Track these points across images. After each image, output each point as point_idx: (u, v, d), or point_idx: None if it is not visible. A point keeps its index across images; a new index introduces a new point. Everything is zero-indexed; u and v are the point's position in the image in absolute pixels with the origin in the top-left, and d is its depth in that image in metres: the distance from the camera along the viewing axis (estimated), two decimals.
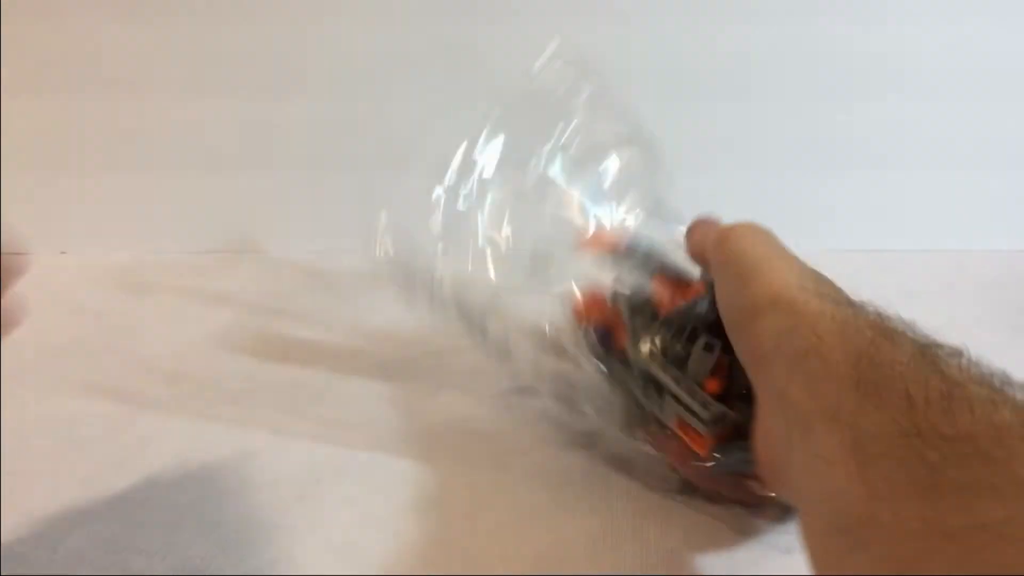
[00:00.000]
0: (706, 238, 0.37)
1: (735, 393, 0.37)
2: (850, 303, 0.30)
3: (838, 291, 0.32)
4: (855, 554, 0.22)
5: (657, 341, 0.38)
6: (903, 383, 0.24)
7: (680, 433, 0.37)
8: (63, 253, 0.67)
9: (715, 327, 0.36)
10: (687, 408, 0.36)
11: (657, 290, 0.41)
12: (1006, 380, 0.25)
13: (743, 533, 0.40)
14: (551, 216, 0.45)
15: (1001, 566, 0.19)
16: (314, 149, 0.67)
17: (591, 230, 0.44)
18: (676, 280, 0.41)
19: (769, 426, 0.29)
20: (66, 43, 0.62)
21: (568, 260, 0.43)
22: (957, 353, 0.26)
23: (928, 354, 0.25)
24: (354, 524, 0.40)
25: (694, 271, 0.41)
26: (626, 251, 0.43)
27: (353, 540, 0.39)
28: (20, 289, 0.38)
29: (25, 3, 0.61)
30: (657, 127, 0.64)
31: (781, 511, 0.39)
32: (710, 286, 0.37)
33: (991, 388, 0.23)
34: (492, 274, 0.43)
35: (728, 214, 0.38)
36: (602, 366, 0.40)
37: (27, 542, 0.38)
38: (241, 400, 0.49)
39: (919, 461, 0.22)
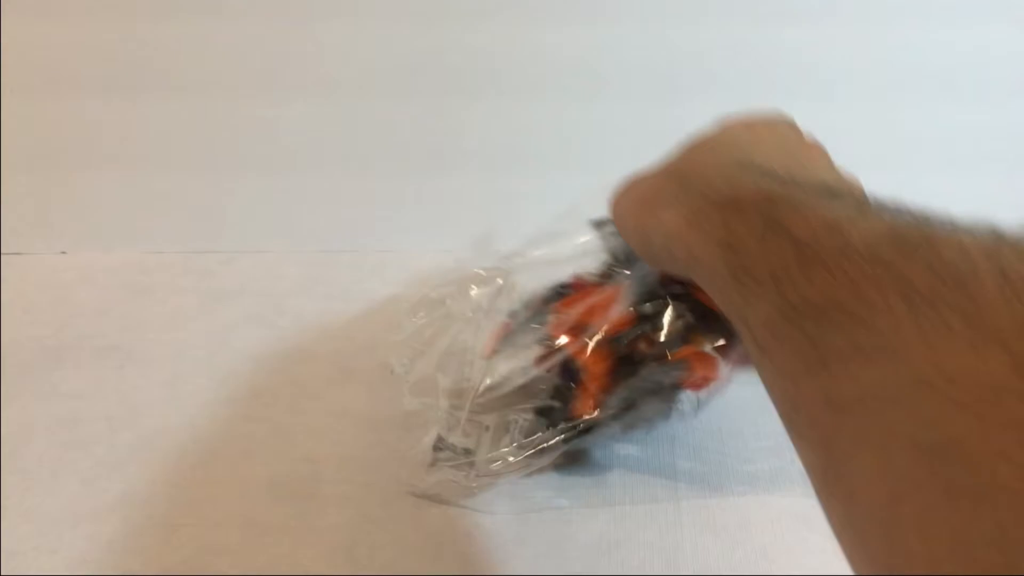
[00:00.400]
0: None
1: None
2: (699, 192, 0.29)
3: (695, 171, 0.31)
4: (801, 443, 0.22)
5: None
6: (764, 263, 0.23)
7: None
8: (63, 253, 0.67)
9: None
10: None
11: (559, 318, 0.43)
12: (857, 207, 0.23)
13: (743, 531, 0.40)
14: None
15: (889, 431, 0.18)
16: (314, 149, 0.67)
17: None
18: (566, 299, 0.44)
19: None
20: (66, 44, 0.62)
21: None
22: (801, 196, 0.24)
23: (775, 219, 0.24)
24: (353, 524, 0.40)
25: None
26: (513, 324, 0.46)
27: (352, 540, 0.39)
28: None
29: (25, 3, 0.61)
30: (653, 127, 0.64)
31: None
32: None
33: (840, 233, 0.22)
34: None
35: None
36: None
37: (27, 542, 0.38)
38: (241, 399, 0.49)
39: (804, 338, 0.21)
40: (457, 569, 0.37)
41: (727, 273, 0.25)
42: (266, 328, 0.57)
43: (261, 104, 0.65)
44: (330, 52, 0.64)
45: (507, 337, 0.46)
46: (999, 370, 0.16)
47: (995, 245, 0.18)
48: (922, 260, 0.19)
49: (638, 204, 0.32)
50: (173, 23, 0.62)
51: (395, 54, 0.64)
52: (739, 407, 0.49)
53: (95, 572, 0.37)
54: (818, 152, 0.32)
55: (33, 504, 0.40)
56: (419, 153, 0.67)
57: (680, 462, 0.45)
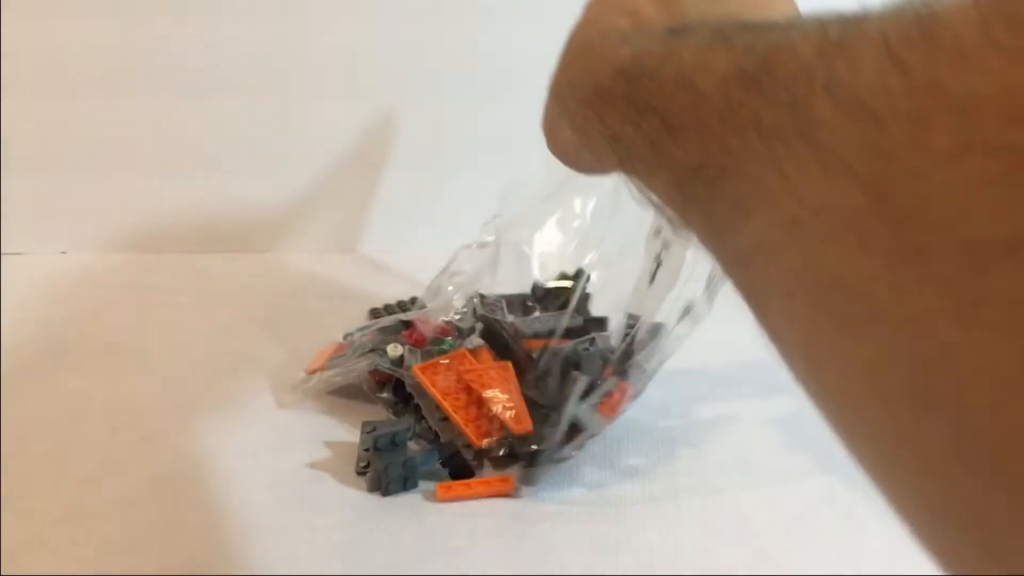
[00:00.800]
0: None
1: None
2: (572, 97, 0.28)
3: (564, 76, 0.29)
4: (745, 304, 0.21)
5: None
6: (644, 143, 0.23)
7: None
8: (63, 253, 0.67)
9: None
10: None
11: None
12: (707, 40, 0.21)
13: (743, 531, 0.40)
14: None
15: (782, 277, 0.18)
16: (314, 150, 0.67)
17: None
18: (412, 329, 0.50)
19: None
20: (66, 43, 0.62)
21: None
22: (649, 53, 0.23)
23: (637, 97, 0.23)
24: (353, 524, 0.40)
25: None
26: (347, 346, 0.50)
27: (352, 540, 0.39)
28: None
29: (25, 3, 0.61)
30: None
31: None
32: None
33: (692, 88, 0.20)
34: None
35: None
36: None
37: (27, 542, 0.38)
38: (241, 399, 0.49)
39: (698, 205, 0.21)
40: (457, 569, 0.37)
41: (621, 165, 0.25)
42: (266, 328, 0.57)
43: (261, 105, 0.65)
44: (331, 53, 0.64)
45: (337, 357, 0.49)
46: (853, 193, 0.15)
47: (822, 45, 0.17)
48: (765, 91, 0.18)
49: (548, 135, 0.32)
50: (173, 24, 0.62)
51: (395, 54, 0.64)
52: (740, 404, 0.49)
53: (95, 572, 0.37)
54: None
55: (33, 504, 0.40)
56: (418, 154, 0.67)
57: (680, 463, 0.45)
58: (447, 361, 0.46)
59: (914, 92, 0.14)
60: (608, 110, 0.25)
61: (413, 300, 0.59)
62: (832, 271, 0.16)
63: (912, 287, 0.14)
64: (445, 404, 0.44)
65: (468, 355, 0.47)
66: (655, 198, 0.24)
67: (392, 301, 0.59)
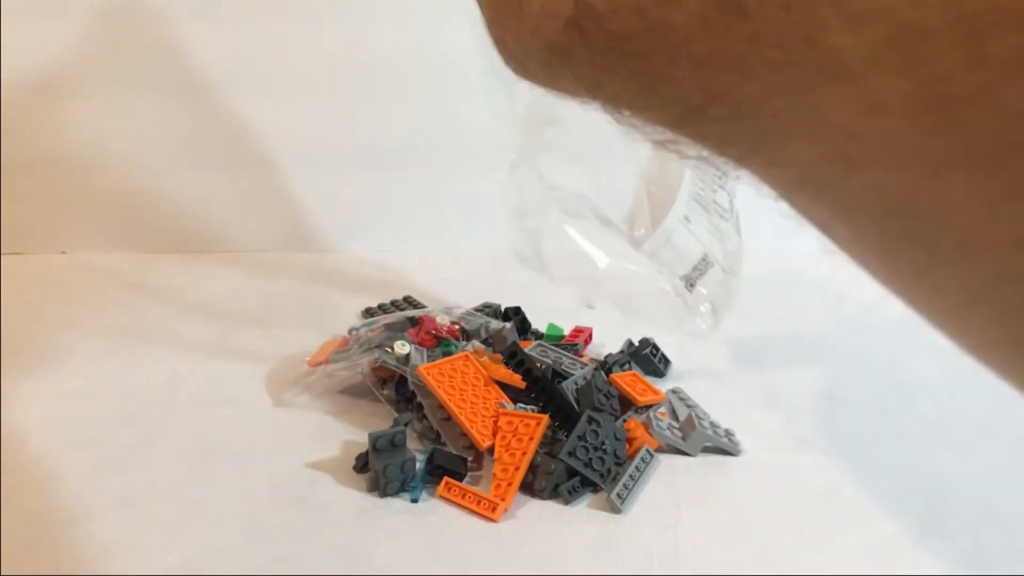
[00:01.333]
0: None
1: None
2: (531, 59, 0.24)
3: (507, 39, 0.26)
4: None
5: None
6: (632, 91, 0.21)
7: None
8: (63, 253, 0.67)
9: None
10: None
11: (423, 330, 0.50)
12: None
13: (743, 531, 0.40)
14: None
15: (845, 206, 0.16)
16: (313, 151, 0.67)
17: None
18: (420, 327, 0.50)
19: None
20: (66, 43, 0.62)
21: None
22: None
23: (602, 48, 0.21)
24: (353, 524, 0.40)
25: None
26: (352, 340, 0.51)
27: (352, 540, 0.39)
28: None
29: (25, 3, 0.61)
30: None
31: None
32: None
33: (667, 27, 0.18)
34: None
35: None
36: None
37: (27, 542, 0.38)
38: (241, 399, 0.49)
39: (709, 140, 0.19)
40: (457, 569, 0.37)
41: (606, 108, 0.22)
42: (267, 328, 0.57)
43: (260, 105, 0.65)
44: (331, 53, 0.64)
45: (342, 351, 0.49)
46: (912, 126, 0.14)
47: None
48: (750, 14, 0.16)
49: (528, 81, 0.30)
50: (172, 24, 0.62)
51: (396, 55, 0.64)
52: (740, 406, 0.49)
53: (95, 572, 0.37)
54: None
55: (34, 504, 0.40)
56: (412, 157, 0.67)
57: (679, 463, 0.45)
58: (452, 362, 0.47)
59: None
60: (575, 64, 0.21)
61: (406, 299, 0.59)
62: (904, 202, 0.14)
63: (1009, 206, 0.13)
64: (451, 406, 0.44)
65: (472, 359, 0.47)
66: (658, 136, 0.21)
67: (386, 301, 0.59)
